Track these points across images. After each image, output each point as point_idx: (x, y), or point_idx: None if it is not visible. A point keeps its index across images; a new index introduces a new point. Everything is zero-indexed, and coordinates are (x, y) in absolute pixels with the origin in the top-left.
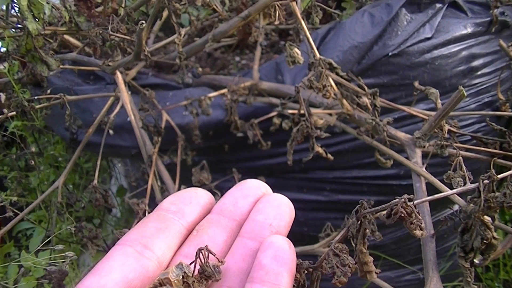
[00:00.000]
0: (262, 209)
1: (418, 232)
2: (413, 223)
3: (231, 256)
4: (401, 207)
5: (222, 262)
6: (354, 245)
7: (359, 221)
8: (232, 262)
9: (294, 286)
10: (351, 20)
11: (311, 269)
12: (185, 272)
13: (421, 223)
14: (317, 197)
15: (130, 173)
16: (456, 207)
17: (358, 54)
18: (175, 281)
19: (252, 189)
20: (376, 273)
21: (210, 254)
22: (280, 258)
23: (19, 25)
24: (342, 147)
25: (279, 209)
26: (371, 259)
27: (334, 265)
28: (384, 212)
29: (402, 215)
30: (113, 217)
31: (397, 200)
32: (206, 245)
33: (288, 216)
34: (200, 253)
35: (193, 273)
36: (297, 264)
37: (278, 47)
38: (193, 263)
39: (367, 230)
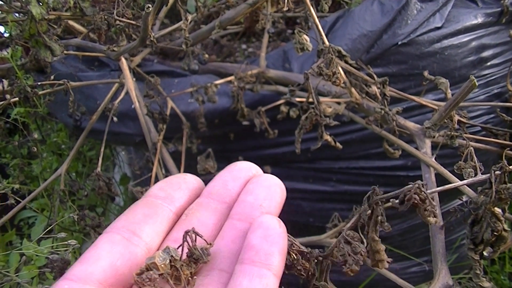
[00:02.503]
0: (252, 190)
1: (432, 219)
2: (427, 210)
3: (221, 238)
4: (415, 193)
5: (210, 244)
6: (365, 233)
7: (371, 208)
8: (223, 244)
9: (303, 275)
10: (361, 8)
11: (321, 258)
12: (172, 256)
13: (435, 210)
14: (323, 187)
15: (134, 161)
16: (464, 199)
17: (367, 42)
18: (162, 265)
19: (242, 171)
20: (387, 262)
21: (198, 237)
22: (270, 238)
23: (22, 10)
24: (349, 137)
25: (269, 190)
26: (383, 247)
27: (345, 253)
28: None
29: (415, 201)
30: (116, 206)
31: (410, 186)
32: (193, 228)
33: (279, 196)
34: (187, 236)
35: (181, 257)
36: (306, 253)
37: (285, 35)
38: (181, 247)
39: (379, 217)
